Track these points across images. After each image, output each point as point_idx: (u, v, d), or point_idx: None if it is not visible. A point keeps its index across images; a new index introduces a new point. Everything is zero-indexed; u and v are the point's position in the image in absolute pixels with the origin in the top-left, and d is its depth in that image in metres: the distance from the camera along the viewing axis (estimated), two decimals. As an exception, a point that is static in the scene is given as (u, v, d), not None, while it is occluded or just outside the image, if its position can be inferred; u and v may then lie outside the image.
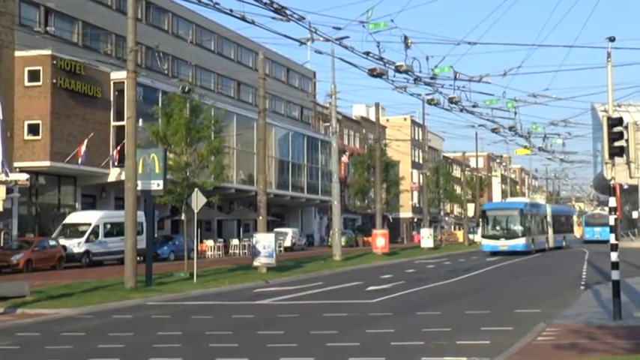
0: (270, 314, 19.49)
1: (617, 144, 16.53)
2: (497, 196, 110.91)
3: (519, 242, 49.66)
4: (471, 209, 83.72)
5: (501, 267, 37.89)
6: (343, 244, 52.53)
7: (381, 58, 25.01)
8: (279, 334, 15.61)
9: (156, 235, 46.23)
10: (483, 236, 51.82)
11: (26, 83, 42.26)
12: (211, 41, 63.56)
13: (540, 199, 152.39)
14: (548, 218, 58.87)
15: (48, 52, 41.95)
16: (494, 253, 48.78)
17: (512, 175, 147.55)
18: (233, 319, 18.65)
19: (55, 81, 41.98)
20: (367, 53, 24.52)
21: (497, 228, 51.13)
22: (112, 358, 13.26)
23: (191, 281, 28.80)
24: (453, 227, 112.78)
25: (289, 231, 64.11)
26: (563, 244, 61.22)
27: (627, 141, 16.54)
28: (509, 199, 66.46)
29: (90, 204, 47.64)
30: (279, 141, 65.82)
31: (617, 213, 17.38)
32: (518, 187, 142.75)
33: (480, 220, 54.11)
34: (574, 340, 13.45)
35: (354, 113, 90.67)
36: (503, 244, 49.55)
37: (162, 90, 45.67)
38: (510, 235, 50.28)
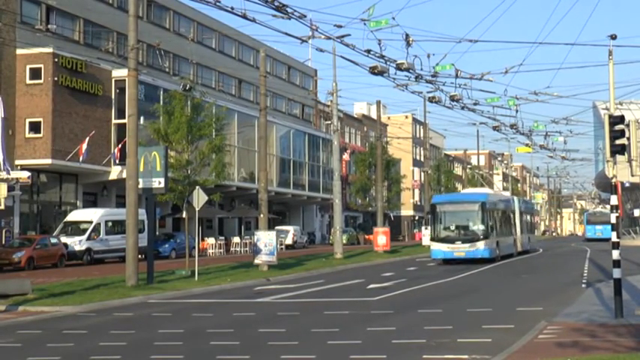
0: (271, 312, 19.49)
1: (618, 142, 16.52)
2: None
3: (480, 246, 38.24)
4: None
5: (502, 265, 37.88)
6: (344, 241, 52.49)
7: (383, 56, 25.05)
8: (280, 332, 15.62)
9: (157, 233, 46.28)
10: (433, 239, 39.68)
11: (28, 81, 42.25)
12: (212, 39, 63.57)
13: (541, 197, 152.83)
14: (517, 215, 48.07)
15: (49, 49, 41.94)
16: (447, 261, 38.49)
17: (514, 173, 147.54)
18: (234, 317, 18.66)
19: (56, 79, 41.97)
20: (368, 51, 24.56)
21: (452, 228, 39.52)
22: (114, 355, 13.26)
23: (192, 279, 28.82)
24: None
25: (290, 229, 64.15)
26: (529, 247, 51.01)
27: (629, 139, 16.53)
28: (468, 190, 51.85)
29: (91, 202, 47.67)
30: (281, 139, 65.82)
31: (619, 211, 17.38)
32: (519, 184, 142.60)
33: (429, 217, 41.93)
34: (576, 338, 13.45)
35: (355, 111, 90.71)
36: (459, 250, 38.31)
37: (164, 88, 45.67)
38: (468, 237, 38.81)
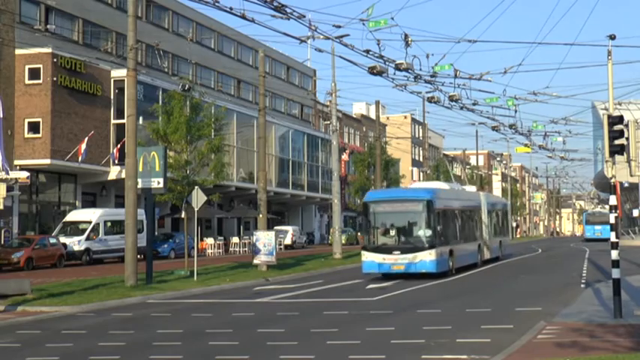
0: (270, 312, 19.50)
1: (617, 142, 16.53)
2: (497, 195, 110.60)
3: (424, 257, 29.48)
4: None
5: (500, 265, 37.86)
6: (343, 242, 52.48)
7: (382, 56, 25.06)
8: (280, 332, 15.62)
9: (156, 233, 46.27)
10: (365, 247, 30.89)
11: (27, 81, 42.24)
12: (211, 39, 63.55)
13: (540, 197, 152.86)
14: (483, 215, 39.12)
15: (48, 50, 41.92)
16: (386, 276, 29.98)
17: (513, 173, 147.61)
18: (233, 317, 18.66)
19: (55, 79, 41.96)
20: (367, 51, 24.55)
21: (391, 233, 30.71)
22: (113, 356, 13.27)
23: (191, 279, 28.82)
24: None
25: (290, 229, 64.14)
26: (500, 253, 41.93)
27: (628, 139, 16.54)
28: (415, 185, 41.22)
29: (90, 202, 47.66)
30: (280, 139, 65.82)
31: (618, 211, 17.40)
32: (518, 185, 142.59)
33: (362, 219, 32.19)
34: (575, 339, 13.45)
35: (354, 111, 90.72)
36: (397, 262, 29.61)
37: (163, 88, 45.67)
38: (409, 245, 29.98)
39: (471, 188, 43.83)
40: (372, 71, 25.61)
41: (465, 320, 16.93)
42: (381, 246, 30.27)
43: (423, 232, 30.16)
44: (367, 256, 30.23)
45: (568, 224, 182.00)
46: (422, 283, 27.08)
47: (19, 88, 42.14)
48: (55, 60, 41.95)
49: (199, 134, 32.59)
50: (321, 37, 25.64)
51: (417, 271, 29.50)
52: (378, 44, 24.37)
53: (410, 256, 29.56)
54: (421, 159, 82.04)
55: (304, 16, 22.54)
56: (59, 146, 42.43)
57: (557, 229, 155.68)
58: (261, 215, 35.73)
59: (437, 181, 47.97)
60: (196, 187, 30.11)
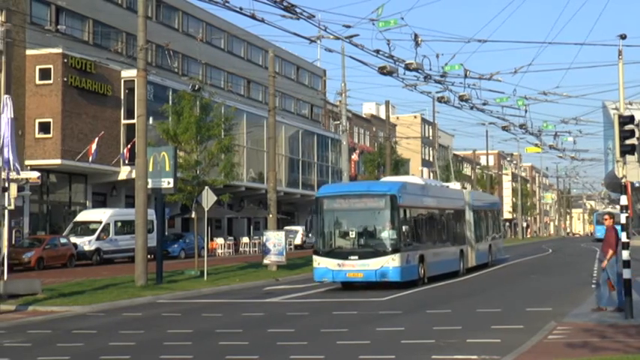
0: (280, 312, 19.50)
1: (628, 142, 16.48)
2: (507, 195, 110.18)
3: (387, 264, 24.88)
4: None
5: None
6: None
7: (391, 56, 25.10)
8: (290, 332, 15.62)
9: (166, 233, 46.35)
10: (317, 251, 26.13)
11: (37, 81, 42.36)
12: (221, 39, 63.65)
13: (551, 197, 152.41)
14: (468, 216, 34.32)
15: (59, 50, 42.04)
16: (346, 285, 26.15)
17: (523, 174, 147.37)
18: (243, 317, 18.68)
19: (65, 79, 42.08)
20: (377, 51, 24.60)
21: (350, 235, 25.95)
22: (123, 355, 13.29)
23: (201, 279, 28.86)
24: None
25: (299, 229, 64.15)
26: (489, 258, 37.30)
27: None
28: (383, 179, 37.42)
29: (100, 202, 47.77)
30: (289, 139, 65.84)
31: (629, 211, 17.36)
32: (528, 185, 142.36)
33: (313, 217, 29.23)
34: (585, 339, 13.41)
35: (364, 111, 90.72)
36: (354, 268, 25.18)
37: (173, 88, 45.73)
38: (369, 249, 25.37)
39: (456, 185, 38.84)
40: (382, 71, 25.65)
41: (475, 320, 16.89)
42: (335, 250, 25.77)
43: (385, 234, 25.54)
44: (319, 262, 25.70)
45: (578, 224, 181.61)
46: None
47: (29, 88, 42.26)
48: (65, 60, 42.07)
49: (209, 134, 32.64)
50: (331, 37, 25.71)
51: (378, 279, 25.03)
52: (388, 44, 24.44)
53: (369, 261, 25.05)
54: (431, 159, 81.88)
55: (314, 16, 22.60)
56: (70, 146, 42.56)
57: (569, 230, 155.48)
58: (271, 215, 35.75)
59: (406, 176, 44.12)
60: (206, 187, 30.15)
